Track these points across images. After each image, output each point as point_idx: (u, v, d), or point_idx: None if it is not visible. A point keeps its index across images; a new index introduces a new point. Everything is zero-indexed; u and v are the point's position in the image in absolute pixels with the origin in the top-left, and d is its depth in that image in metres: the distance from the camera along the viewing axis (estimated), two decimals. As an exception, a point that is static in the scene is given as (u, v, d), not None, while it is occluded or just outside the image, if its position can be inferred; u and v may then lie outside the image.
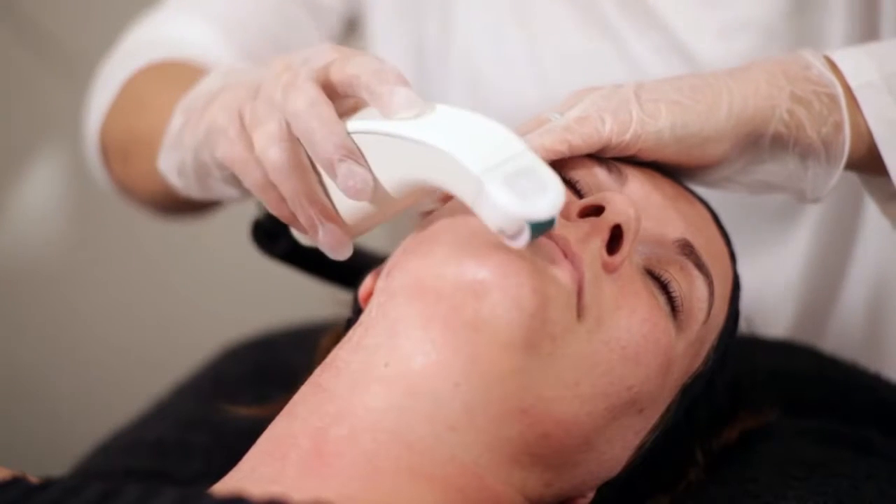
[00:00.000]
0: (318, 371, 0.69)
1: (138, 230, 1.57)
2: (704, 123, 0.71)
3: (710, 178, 0.76)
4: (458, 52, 1.09)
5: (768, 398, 0.85)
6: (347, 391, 0.65)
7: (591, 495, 0.71)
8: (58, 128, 1.73)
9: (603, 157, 0.72)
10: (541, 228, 0.61)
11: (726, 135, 0.72)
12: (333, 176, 0.66)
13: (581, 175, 0.72)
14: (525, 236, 0.61)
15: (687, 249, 0.71)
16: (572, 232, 0.66)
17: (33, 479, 0.63)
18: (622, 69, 1.02)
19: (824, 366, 0.94)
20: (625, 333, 0.66)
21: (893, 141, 0.73)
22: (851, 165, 0.75)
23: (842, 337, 1.07)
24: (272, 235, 0.86)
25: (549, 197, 0.61)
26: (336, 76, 0.67)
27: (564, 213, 0.68)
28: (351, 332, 0.69)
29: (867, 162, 0.74)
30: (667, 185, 0.74)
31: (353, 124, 0.66)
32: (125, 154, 0.99)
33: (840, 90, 0.73)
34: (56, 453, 1.22)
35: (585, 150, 0.71)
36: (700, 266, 0.71)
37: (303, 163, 0.68)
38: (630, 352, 0.66)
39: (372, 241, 0.77)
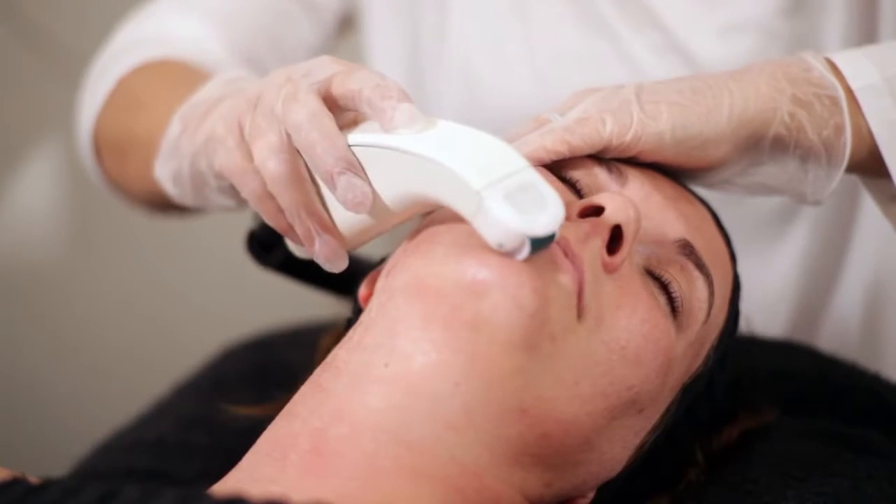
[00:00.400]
0: (317, 371, 0.69)
1: (137, 229, 1.57)
2: (705, 125, 0.71)
3: (710, 179, 0.76)
4: (454, 51, 1.08)
5: (768, 398, 0.85)
6: (347, 391, 0.65)
7: (591, 495, 0.71)
8: (55, 126, 1.72)
9: (603, 157, 0.72)
10: (540, 244, 0.62)
11: (727, 137, 0.72)
12: (333, 188, 0.66)
13: (581, 175, 0.72)
14: (525, 252, 0.62)
15: (687, 250, 0.71)
16: (572, 232, 0.66)
17: (33, 479, 0.63)
18: (620, 69, 1.02)
19: (824, 366, 0.94)
20: (625, 333, 0.66)
21: (895, 143, 0.73)
22: (852, 168, 0.74)
23: (837, 337, 1.07)
24: (267, 246, 0.86)
25: (549, 213, 0.61)
26: (337, 90, 0.67)
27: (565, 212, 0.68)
28: (351, 332, 0.69)
29: (868, 164, 0.74)
30: (667, 186, 0.74)
31: (354, 137, 0.66)
32: (121, 153, 0.99)
33: (841, 92, 0.73)
34: (56, 453, 1.22)
35: (586, 151, 0.71)
36: (700, 266, 0.71)
37: (301, 174, 0.68)
38: (630, 352, 0.66)
39: (374, 240, 0.77)
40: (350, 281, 0.80)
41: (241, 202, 0.80)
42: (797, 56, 0.75)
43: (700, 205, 0.76)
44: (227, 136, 0.71)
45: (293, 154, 0.67)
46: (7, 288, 1.78)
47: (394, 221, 0.69)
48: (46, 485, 0.61)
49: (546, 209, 0.61)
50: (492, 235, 0.62)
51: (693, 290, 0.70)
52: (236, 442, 0.73)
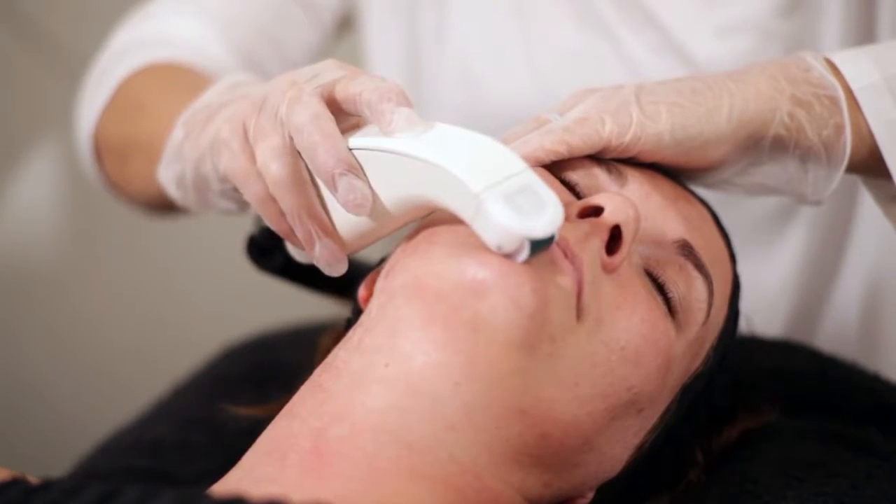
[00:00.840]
0: (317, 371, 0.69)
1: (137, 229, 1.57)
2: (705, 126, 0.71)
3: (709, 180, 0.76)
4: (453, 51, 1.09)
5: (768, 398, 0.85)
6: (347, 391, 0.65)
7: (590, 495, 0.71)
8: (55, 126, 1.73)
9: (603, 158, 0.72)
10: (539, 246, 0.62)
11: (726, 137, 0.72)
12: (334, 190, 0.66)
13: (580, 176, 0.72)
14: (524, 254, 0.62)
15: (686, 250, 0.71)
16: (572, 232, 0.66)
17: (33, 479, 0.63)
18: (618, 69, 1.02)
19: (824, 366, 0.94)
20: (624, 334, 0.66)
21: (895, 143, 0.73)
22: (853, 168, 0.74)
23: (836, 336, 1.07)
24: (266, 251, 0.86)
25: (548, 215, 0.61)
26: (340, 93, 0.67)
27: (564, 214, 0.68)
28: (351, 333, 0.69)
29: (868, 164, 0.74)
30: (666, 186, 0.74)
31: (355, 140, 0.67)
32: (122, 156, 0.99)
33: (841, 92, 0.73)
34: (56, 453, 1.22)
35: (585, 152, 0.71)
36: (699, 267, 0.71)
37: (303, 178, 0.68)
38: (629, 352, 0.66)
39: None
40: (349, 284, 0.80)
41: (244, 206, 0.80)
42: (797, 56, 0.75)
43: (700, 205, 0.76)
44: (231, 138, 0.71)
45: (295, 157, 0.68)
46: (7, 287, 1.78)
47: (394, 225, 0.69)
48: (46, 485, 0.61)
49: (545, 211, 0.61)
50: (491, 238, 0.62)
51: (692, 290, 0.70)
52: (236, 442, 0.73)
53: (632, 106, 0.71)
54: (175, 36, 1.03)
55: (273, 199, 0.69)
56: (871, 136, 0.73)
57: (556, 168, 0.72)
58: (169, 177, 0.83)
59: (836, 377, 0.93)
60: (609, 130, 0.70)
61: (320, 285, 0.91)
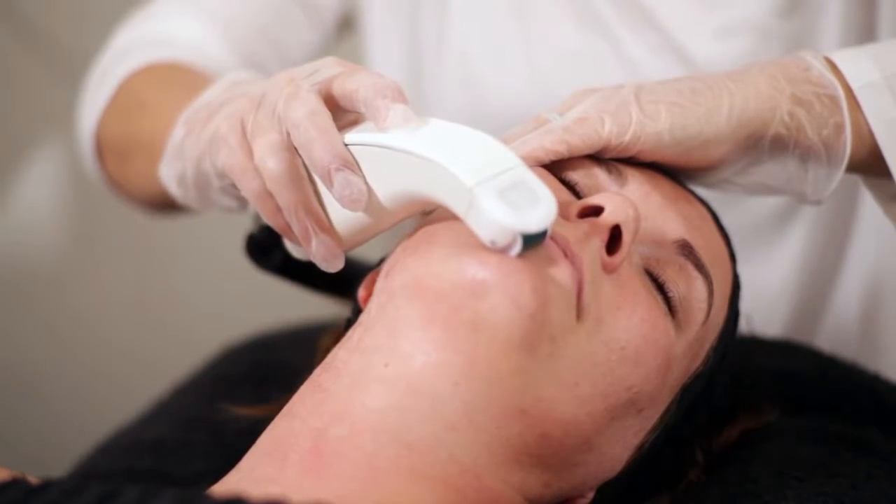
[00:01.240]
0: (317, 371, 0.69)
1: (137, 230, 1.57)
2: (704, 125, 0.71)
3: (709, 179, 0.76)
4: (454, 51, 1.09)
5: (768, 398, 0.85)
6: (347, 391, 0.65)
7: (590, 495, 0.71)
8: (56, 126, 1.73)
9: (603, 157, 0.72)
10: (532, 241, 0.62)
11: (726, 137, 0.72)
12: (329, 185, 0.66)
13: (580, 176, 0.72)
14: (517, 248, 0.62)
15: (686, 250, 0.71)
16: (572, 232, 0.66)
17: (33, 479, 0.63)
18: (618, 69, 1.02)
19: (824, 366, 0.94)
20: (624, 334, 0.66)
21: (895, 142, 0.73)
22: (853, 167, 0.74)
23: (836, 336, 1.07)
24: (265, 249, 0.87)
25: (541, 209, 0.61)
26: (338, 90, 0.68)
27: (564, 214, 0.68)
28: (351, 332, 0.69)
29: (869, 163, 0.74)
30: (666, 186, 0.74)
31: (351, 136, 0.67)
32: (124, 155, 1.00)
33: (841, 91, 0.73)
34: (56, 453, 1.22)
35: (585, 151, 0.71)
36: (699, 266, 0.71)
37: (300, 174, 0.68)
38: (629, 352, 0.66)
39: (371, 242, 0.77)
40: (349, 283, 0.80)
41: (244, 203, 0.80)
42: (796, 55, 0.75)
43: (700, 205, 0.76)
44: (229, 134, 0.71)
45: (292, 153, 0.68)
46: (9, 287, 1.78)
47: (390, 221, 0.69)
48: (46, 485, 0.61)
49: (538, 206, 0.62)
50: (484, 232, 0.62)
51: (692, 290, 0.70)
52: (236, 442, 0.73)
53: (631, 105, 0.71)
54: (176, 36, 1.03)
55: (270, 195, 0.69)
56: (871, 135, 0.73)
57: (556, 168, 0.72)
58: (170, 175, 0.84)
59: (836, 377, 0.93)
60: (609, 130, 0.70)
61: (319, 284, 0.91)
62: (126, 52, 1.02)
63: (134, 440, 1.00)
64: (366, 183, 0.66)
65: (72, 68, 1.28)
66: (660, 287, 0.69)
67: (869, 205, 1.02)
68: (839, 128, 0.73)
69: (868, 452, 0.81)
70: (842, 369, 0.94)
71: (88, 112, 1.04)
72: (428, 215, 0.71)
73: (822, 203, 0.77)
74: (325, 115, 0.66)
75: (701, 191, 0.78)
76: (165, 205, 0.97)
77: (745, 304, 0.79)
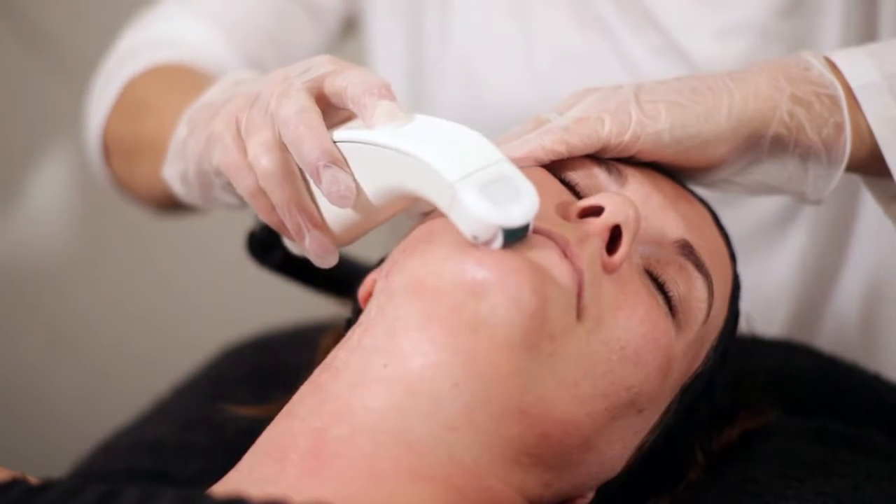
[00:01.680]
0: (317, 371, 0.69)
1: (139, 230, 1.57)
2: (704, 125, 0.71)
3: (709, 179, 0.76)
4: (455, 53, 1.09)
5: (768, 398, 0.85)
6: (347, 391, 0.65)
7: (590, 495, 0.71)
8: (59, 128, 1.73)
9: (602, 157, 0.72)
10: (514, 235, 0.62)
11: (726, 136, 0.72)
12: (318, 182, 0.67)
13: (580, 176, 0.72)
14: (498, 243, 0.62)
15: (686, 250, 0.71)
16: (572, 232, 0.66)
17: (33, 479, 0.63)
18: (618, 69, 1.02)
19: (824, 366, 0.94)
20: (624, 333, 0.66)
21: (895, 141, 0.73)
22: (853, 167, 0.74)
23: (837, 336, 1.07)
24: (266, 246, 0.87)
25: (522, 204, 0.62)
26: (328, 88, 0.69)
27: (564, 214, 0.68)
28: (350, 333, 0.69)
29: (869, 163, 0.74)
30: (666, 186, 0.74)
31: (339, 133, 0.68)
32: (129, 155, 1.01)
33: (841, 91, 0.73)
34: (56, 453, 1.22)
35: (584, 151, 0.71)
36: (699, 266, 0.71)
37: (292, 171, 0.69)
38: (629, 352, 0.66)
39: (371, 242, 0.77)
40: (349, 283, 0.81)
41: (241, 199, 0.80)
42: (796, 55, 0.75)
43: (700, 205, 0.76)
44: (224, 132, 0.72)
45: (285, 151, 0.68)
46: (13, 288, 1.78)
47: (380, 217, 0.70)
48: (46, 485, 0.61)
49: (520, 200, 0.62)
50: (466, 227, 0.62)
51: (692, 290, 0.70)
52: (236, 442, 0.73)
53: (631, 105, 0.71)
54: (181, 38, 1.04)
55: (264, 193, 0.70)
56: (871, 134, 0.73)
57: (555, 168, 0.72)
58: (173, 174, 0.84)
59: (837, 377, 0.93)
60: (608, 130, 0.71)
61: (320, 283, 0.92)
62: (131, 54, 1.03)
63: (134, 440, 1.00)
64: (354, 179, 0.67)
65: (73, 69, 1.28)
66: (660, 287, 0.69)
67: (869, 205, 1.02)
68: (839, 127, 0.73)
69: (868, 452, 0.81)
70: (842, 369, 0.94)
71: (95, 113, 1.05)
72: (428, 215, 0.71)
73: (822, 203, 0.77)
74: (314, 113, 0.67)
75: (701, 191, 0.78)
76: (171, 204, 0.98)
77: (745, 304, 0.79)
